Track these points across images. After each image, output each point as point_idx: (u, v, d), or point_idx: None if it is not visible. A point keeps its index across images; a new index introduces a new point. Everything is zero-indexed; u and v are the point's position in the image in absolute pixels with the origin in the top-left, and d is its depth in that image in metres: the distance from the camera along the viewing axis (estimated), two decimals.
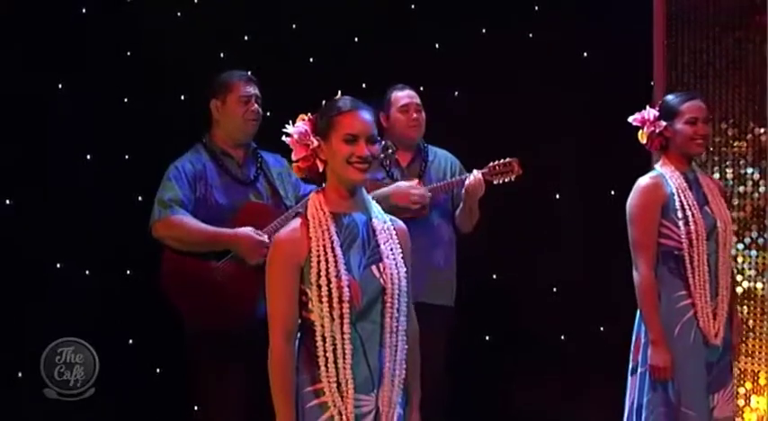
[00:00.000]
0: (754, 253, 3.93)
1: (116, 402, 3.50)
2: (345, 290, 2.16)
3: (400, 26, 4.34)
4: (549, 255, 4.32)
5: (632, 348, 3.10)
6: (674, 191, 3.02)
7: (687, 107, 3.06)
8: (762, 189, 3.89)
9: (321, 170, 2.25)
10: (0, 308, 3.34)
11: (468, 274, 4.37)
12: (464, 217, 3.51)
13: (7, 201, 3.33)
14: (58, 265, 3.44)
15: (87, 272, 3.53)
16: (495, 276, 4.49)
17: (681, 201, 3.00)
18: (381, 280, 2.22)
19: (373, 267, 2.22)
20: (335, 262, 2.17)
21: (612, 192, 3.99)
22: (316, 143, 2.24)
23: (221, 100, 3.20)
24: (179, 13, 3.88)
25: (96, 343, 3.29)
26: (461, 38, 4.43)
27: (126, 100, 3.70)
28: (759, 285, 3.92)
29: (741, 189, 3.95)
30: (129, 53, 3.73)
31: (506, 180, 3.44)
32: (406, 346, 2.27)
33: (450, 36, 4.44)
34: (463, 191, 3.43)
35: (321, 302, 2.16)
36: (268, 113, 4.01)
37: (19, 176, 3.35)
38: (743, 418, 3.92)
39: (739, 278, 3.93)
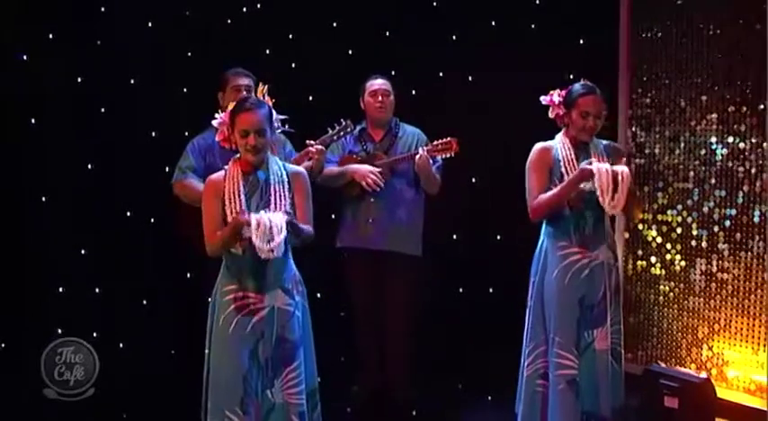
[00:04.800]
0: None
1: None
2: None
3: (423, 21, 5.42)
4: None
5: None
6: (561, 159, 3.87)
7: (582, 101, 3.82)
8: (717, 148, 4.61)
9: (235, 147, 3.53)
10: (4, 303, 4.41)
11: (475, 235, 5.49)
12: (424, 184, 4.54)
13: (89, 166, 4.83)
14: (128, 213, 4.92)
15: (152, 220, 5.02)
16: (498, 237, 5.52)
17: (565, 168, 3.85)
18: None
19: (266, 209, 3.45)
20: (239, 205, 3.42)
21: None
22: (227, 133, 3.50)
23: (222, 90, 4.40)
24: (229, 20, 5.23)
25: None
26: (474, 29, 5.47)
27: (185, 90, 5.10)
28: (704, 244, 4.66)
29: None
30: (189, 54, 5.11)
31: (447, 156, 4.42)
32: (291, 261, 3.49)
33: (464, 28, 5.49)
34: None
35: None
36: (310, 98, 5.36)
37: (100, 147, 4.81)
38: (686, 367, 4.69)
39: (693, 243, 4.72)
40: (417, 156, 4.42)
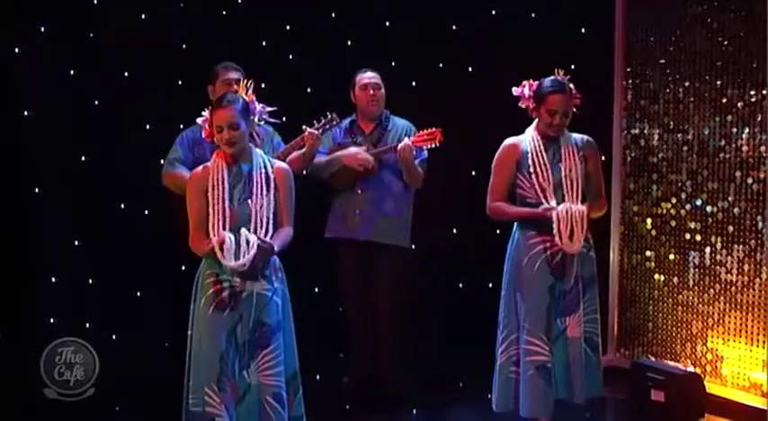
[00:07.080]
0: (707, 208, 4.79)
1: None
2: (227, 213, 3.64)
3: (423, 11, 5.55)
4: None
5: None
6: (529, 150, 4.01)
7: (550, 99, 3.94)
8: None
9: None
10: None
11: (475, 229, 5.64)
12: (406, 176, 4.66)
13: (83, 158, 5.04)
14: (122, 206, 5.15)
15: (147, 212, 5.24)
16: (498, 231, 5.65)
17: (533, 160, 3.98)
18: (249, 208, 3.68)
19: (248, 200, 3.64)
20: (222, 196, 3.64)
21: None
22: (208, 129, 3.73)
23: (212, 84, 4.57)
24: (224, 11, 5.39)
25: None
26: (474, 20, 5.61)
27: (180, 83, 5.29)
28: (698, 237, 4.79)
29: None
30: (183, 46, 5.28)
31: (432, 145, 4.55)
32: (275, 246, 3.67)
33: (464, 18, 5.64)
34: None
35: (214, 219, 3.65)
36: (308, 90, 5.57)
37: (94, 139, 5.02)
38: (680, 362, 4.82)
39: (687, 236, 4.87)
40: (400, 145, 4.57)
